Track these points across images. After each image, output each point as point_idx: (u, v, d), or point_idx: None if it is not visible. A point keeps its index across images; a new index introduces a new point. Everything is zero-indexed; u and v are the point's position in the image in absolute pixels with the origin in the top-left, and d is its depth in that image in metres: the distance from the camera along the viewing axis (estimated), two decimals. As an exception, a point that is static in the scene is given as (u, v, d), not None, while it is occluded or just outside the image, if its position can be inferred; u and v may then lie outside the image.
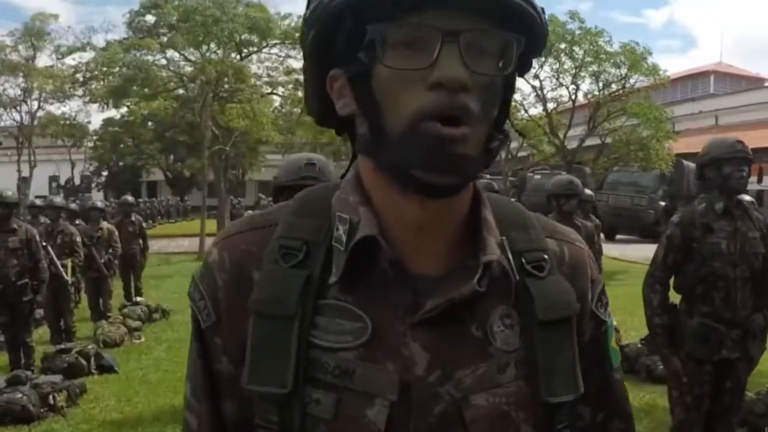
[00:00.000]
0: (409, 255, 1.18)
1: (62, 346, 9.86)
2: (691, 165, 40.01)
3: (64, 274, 10.84)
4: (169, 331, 12.89)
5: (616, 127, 27.43)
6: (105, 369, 9.79)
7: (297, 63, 38.14)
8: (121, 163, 56.24)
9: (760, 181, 25.22)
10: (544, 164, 33.71)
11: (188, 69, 31.45)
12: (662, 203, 31.87)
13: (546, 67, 28.06)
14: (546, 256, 1.24)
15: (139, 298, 14.51)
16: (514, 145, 34.10)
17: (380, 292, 1.16)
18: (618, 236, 31.69)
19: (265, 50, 35.43)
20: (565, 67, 27.64)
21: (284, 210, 1.26)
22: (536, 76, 28.89)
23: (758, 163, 35.57)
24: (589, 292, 1.31)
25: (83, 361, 9.55)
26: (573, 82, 27.84)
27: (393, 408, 1.11)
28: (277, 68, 37.18)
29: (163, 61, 31.88)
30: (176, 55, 31.90)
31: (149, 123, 49.71)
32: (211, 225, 28.40)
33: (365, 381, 1.12)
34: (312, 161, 3.91)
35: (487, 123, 1.14)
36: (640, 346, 9.80)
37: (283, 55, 36.68)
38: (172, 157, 58.63)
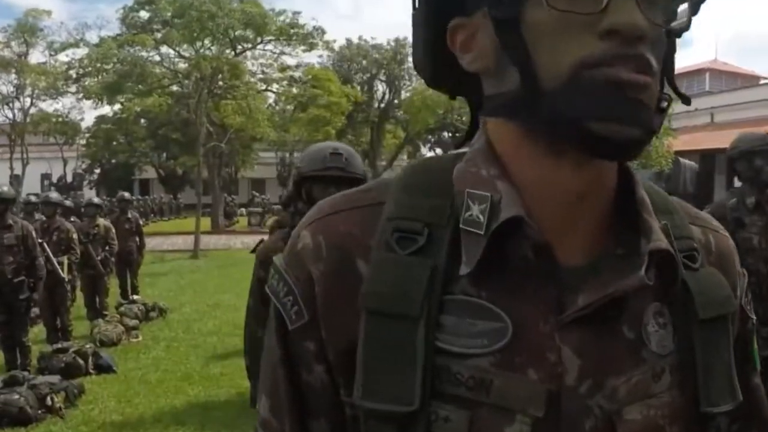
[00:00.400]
0: (555, 240, 0.96)
1: (59, 346, 9.58)
2: (688, 162, 40.56)
3: (60, 271, 10.59)
4: (166, 329, 12.65)
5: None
6: (103, 369, 9.53)
7: (291, 60, 38.04)
8: (113, 161, 56.28)
9: None
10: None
11: (183, 66, 31.22)
12: None
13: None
14: (696, 245, 1.06)
15: (135, 297, 14.29)
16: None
17: (519, 285, 0.95)
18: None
19: (259, 47, 35.26)
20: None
21: (388, 185, 1.04)
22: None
23: None
24: (738, 286, 1.13)
25: (81, 361, 9.30)
26: None
27: (537, 425, 0.91)
28: (272, 65, 37.02)
29: (157, 58, 31.67)
30: (171, 52, 31.73)
31: (142, 120, 49.67)
32: (205, 223, 28.21)
33: (504, 393, 0.91)
34: (338, 150, 3.65)
35: (658, 80, 0.92)
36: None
37: (277, 51, 36.58)
38: (164, 154, 58.63)
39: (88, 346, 9.77)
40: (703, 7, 0.96)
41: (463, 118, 45.33)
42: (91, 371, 9.39)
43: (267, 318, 1.08)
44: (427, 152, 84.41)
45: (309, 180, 3.59)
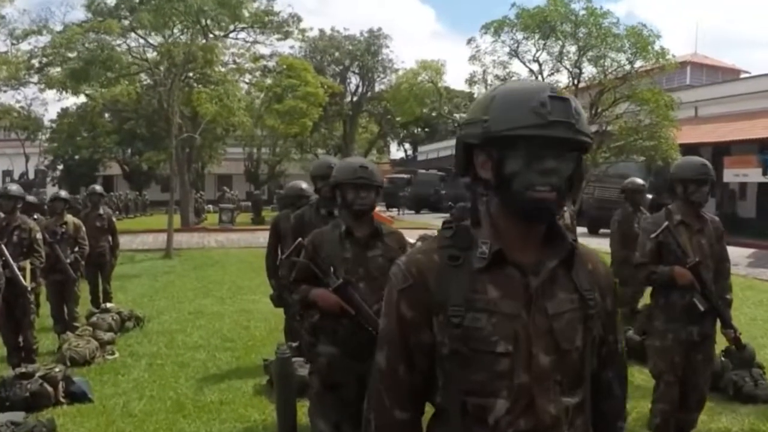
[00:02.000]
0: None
1: (23, 370, 7.86)
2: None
3: (22, 279, 8.74)
4: (146, 343, 11.02)
5: (619, 114, 26.05)
6: (76, 397, 7.87)
7: (265, 49, 36.48)
8: (76, 157, 55.46)
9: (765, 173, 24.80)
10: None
11: (152, 55, 29.41)
12: (649, 196, 31.07)
13: (546, 51, 26.71)
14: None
15: (109, 304, 12.48)
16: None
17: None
18: (602, 230, 30.46)
19: (232, 35, 33.60)
20: (568, 49, 26.22)
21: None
22: (535, 60, 27.40)
23: (742, 154, 35.00)
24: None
25: (49, 388, 7.64)
26: (576, 66, 26.34)
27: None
28: (244, 54, 35.37)
29: (125, 47, 29.85)
30: (140, 40, 29.98)
31: (107, 115, 48.22)
32: (175, 220, 26.54)
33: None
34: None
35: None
36: (723, 360, 8.34)
37: (251, 40, 34.98)
38: (129, 150, 57.61)
39: (57, 369, 8.03)
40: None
41: (446, 108, 44.11)
42: (62, 400, 7.77)
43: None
44: (396, 148, 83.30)
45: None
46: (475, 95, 33.73)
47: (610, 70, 25.83)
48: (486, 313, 1.98)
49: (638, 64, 26.07)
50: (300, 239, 5.27)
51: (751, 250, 24.53)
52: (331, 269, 4.62)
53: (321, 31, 52.56)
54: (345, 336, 4.67)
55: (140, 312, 12.52)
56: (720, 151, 36.42)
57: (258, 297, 14.97)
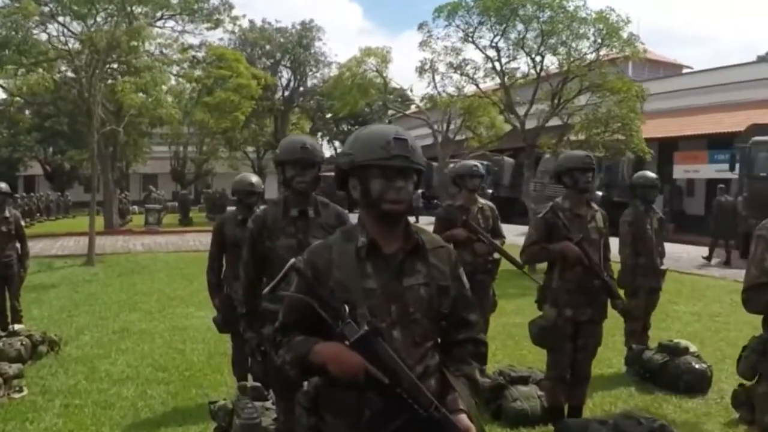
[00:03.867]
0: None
1: None
2: (508, 159, 40.00)
3: None
4: (61, 373, 9.12)
5: (584, 105, 24.63)
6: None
7: (194, 39, 34.77)
8: None
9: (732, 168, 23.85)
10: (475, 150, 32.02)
11: (74, 45, 27.22)
12: (599, 193, 31.78)
13: (504, 36, 25.17)
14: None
15: (17, 326, 10.44)
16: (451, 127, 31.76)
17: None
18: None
19: (159, 23, 31.54)
20: (528, 36, 24.71)
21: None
22: (494, 46, 25.78)
23: (690, 150, 34.56)
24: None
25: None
26: (538, 52, 24.75)
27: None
28: (171, 45, 33.33)
29: (44, 36, 27.64)
30: (61, 29, 27.81)
31: (27, 111, 46.31)
32: (97, 222, 24.50)
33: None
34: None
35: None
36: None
37: (179, 29, 33.00)
38: (51, 148, 56.04)
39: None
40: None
41: (391, 96, 42.65)
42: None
43: None
44: (325, 145, 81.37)
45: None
46: (427, 86, 32.40)
47: (574, 58, 24.31)
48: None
49: (602, 52, 24.65)
50: (293, 260, 2.86)
51: (701, 249, 23.16)
52: (345, 308, 2.68)
53: (251, 22, 50.83)
54: (370, 417, 2.74)
55: (56, 333, 10.53)
56: (667, 147, 35.71)
57: (191, 310, 13.36)
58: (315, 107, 56.25)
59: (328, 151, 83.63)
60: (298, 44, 51.89)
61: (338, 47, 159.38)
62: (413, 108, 42.95)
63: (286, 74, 54.30)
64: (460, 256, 6.12)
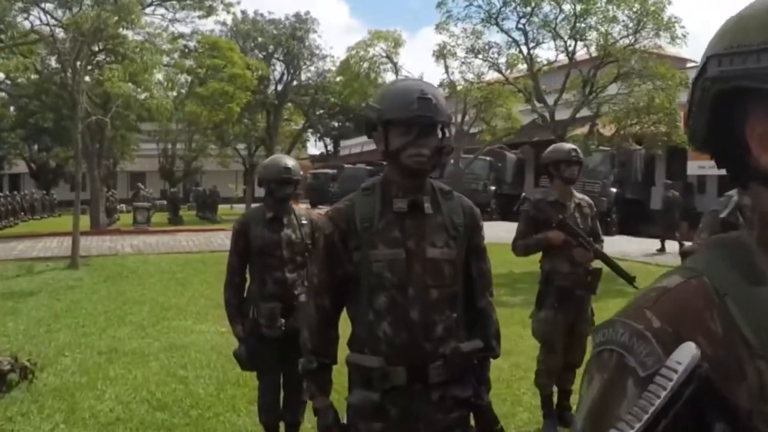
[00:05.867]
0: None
1: None
2: (510, 155, 39.73)
3: None
4: (34, 414, 7.27)
5: (614, 94, 22.76)
6: None
7: (184, 27, 33.07)
8: None
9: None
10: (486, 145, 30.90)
11: (58, 33, 25.40)
12: (613, 190, 31.67)
13: (529, 19, 23.28)
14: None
15: (-18, 350, 8.65)
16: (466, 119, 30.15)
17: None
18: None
19: (149, 10, 29.73)
20: (560, 14, 22.82)
21: None
22: (520, 28, 23.80)
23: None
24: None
25: None
26: (571, 35, 22.80)
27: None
28: (161, 35, 31.51)
29: (27, 24, 25.81)
30: (44, 17, 25.98)
31: (12, 108, 45.01)
32: (83, 222, 22.64)
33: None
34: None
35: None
36: None
37: (169, 17, 31.22)
38: (36, 146, 55.47)
39: None
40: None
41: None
42: None
43: None
44: (315, 142, 79.52)
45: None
46: (443, 73, 30.88)
47: (610, 41, 22.36)
48: None
49: (642, 34, 22.78)
50: None
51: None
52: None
53: (243, 13, 48.95)
54: None
55: (29, 356, 8.69)
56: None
57: (190, 323, 11.52)
58: (309, 102, 54.38)
59: (315, 149, 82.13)
60: (291, 36, 50.03)
61: (324, 44, 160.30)
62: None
63: (279, 67, 52.44)
64: (554, 266, 6.41)
